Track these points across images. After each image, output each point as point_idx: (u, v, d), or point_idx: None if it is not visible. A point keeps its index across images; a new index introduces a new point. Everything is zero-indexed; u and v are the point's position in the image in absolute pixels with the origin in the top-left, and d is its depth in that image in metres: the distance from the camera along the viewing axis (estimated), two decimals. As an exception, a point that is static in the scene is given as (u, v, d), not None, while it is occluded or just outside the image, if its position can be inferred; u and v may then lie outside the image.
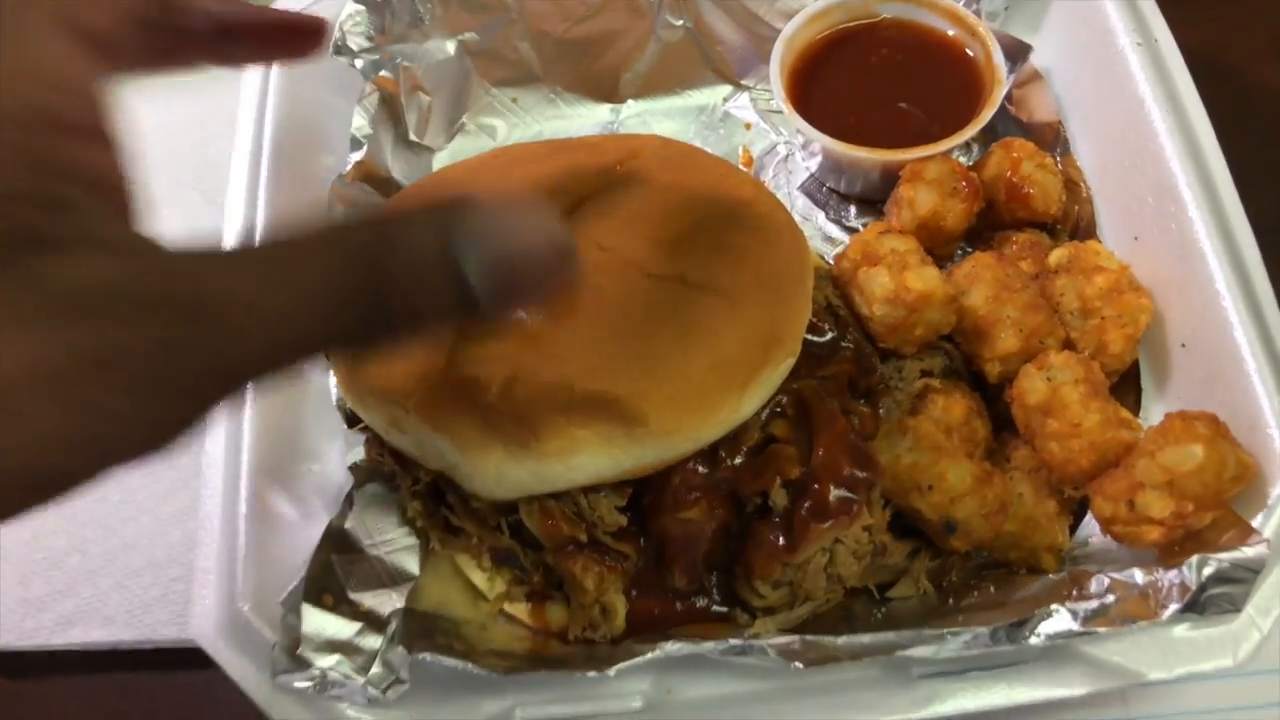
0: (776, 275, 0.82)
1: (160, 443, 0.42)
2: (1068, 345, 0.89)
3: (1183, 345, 0.87)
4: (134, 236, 0.43)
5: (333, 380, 0.92)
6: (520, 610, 0.87)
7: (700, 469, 0.81)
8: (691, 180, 0.88)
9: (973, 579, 0.86)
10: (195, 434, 0.43)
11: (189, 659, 1.00)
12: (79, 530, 1.05)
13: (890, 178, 1.02)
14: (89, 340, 0.38)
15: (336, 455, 0.91)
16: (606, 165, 0.88)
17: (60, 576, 1.03)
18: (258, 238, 0.44)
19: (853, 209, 1.09)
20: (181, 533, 1.04)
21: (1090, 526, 0.87)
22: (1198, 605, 0.72)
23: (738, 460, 0.82)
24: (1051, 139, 1.03)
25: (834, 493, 0.79)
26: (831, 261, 0.97)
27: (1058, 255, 0.91)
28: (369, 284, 0.44)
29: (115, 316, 0.39)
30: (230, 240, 0.92)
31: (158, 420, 0.41)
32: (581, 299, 0.77)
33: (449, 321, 0.52)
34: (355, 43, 1.05)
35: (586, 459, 0.76)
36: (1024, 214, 0.98)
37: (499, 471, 0.77)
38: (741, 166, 1.12)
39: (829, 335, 0.89)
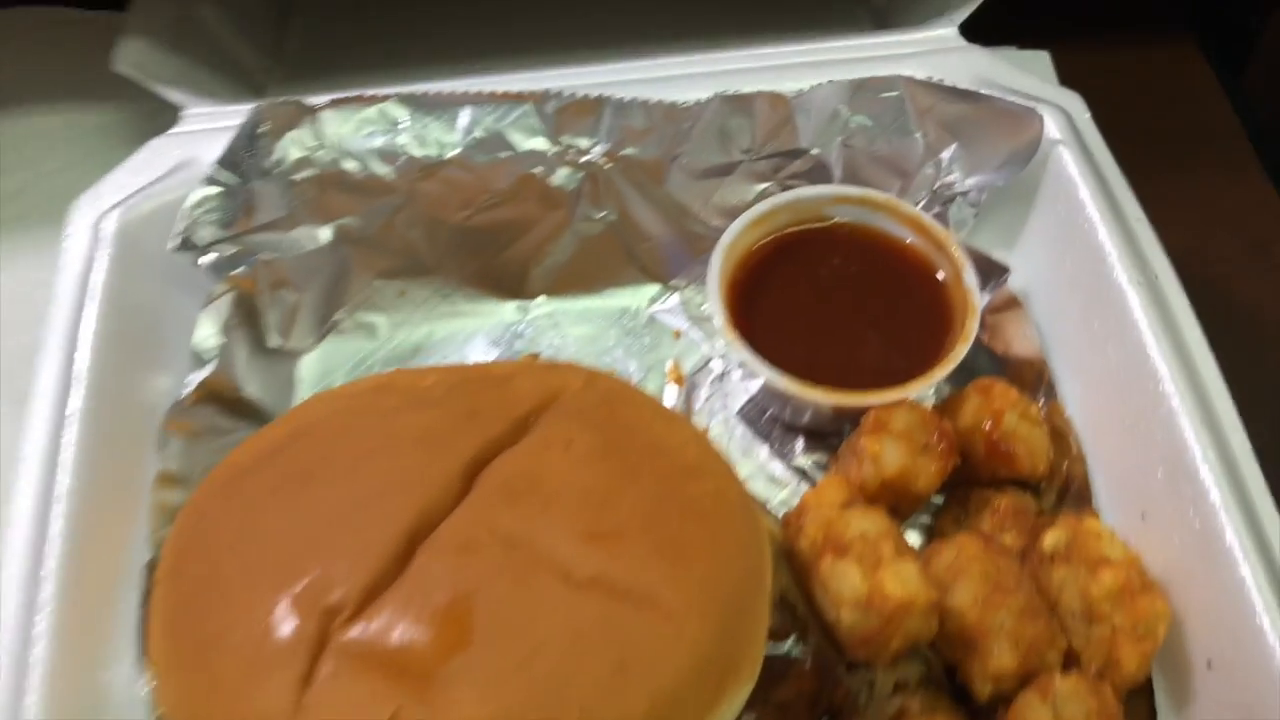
0: (730, 581, 0.65)
1: None
2: (1069, 655, 0.74)
3: (1208, 664, 0.72)
4: None
5: (143, 685, 0.71)
6: None
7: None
8: (623, 441, 0.71)
9: None
10: None
11: None
12: None
13: (844, 412, 0.86)
14: None
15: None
16: (518, 417, 0.71)
17: None
18: None
19: (800, 442, 0.92)
20: None
21: None
22: None
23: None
24: (1033, 379, 0.88)
25: None
26: (778, 517, 0.81)
27: (1053, 539, 0.76)
28: None
29: None
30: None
31: None
32: (479, 618, 0.59)
33: None
34: (205, 235, 0.85)
35: None
36: (1005, 473, 0.83)
37: None
38: (669, 382, 0.96)
39: (787, 643, 0.72)
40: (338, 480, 0.67)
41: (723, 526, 0.67)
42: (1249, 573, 0.70)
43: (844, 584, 0.71)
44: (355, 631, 0.59)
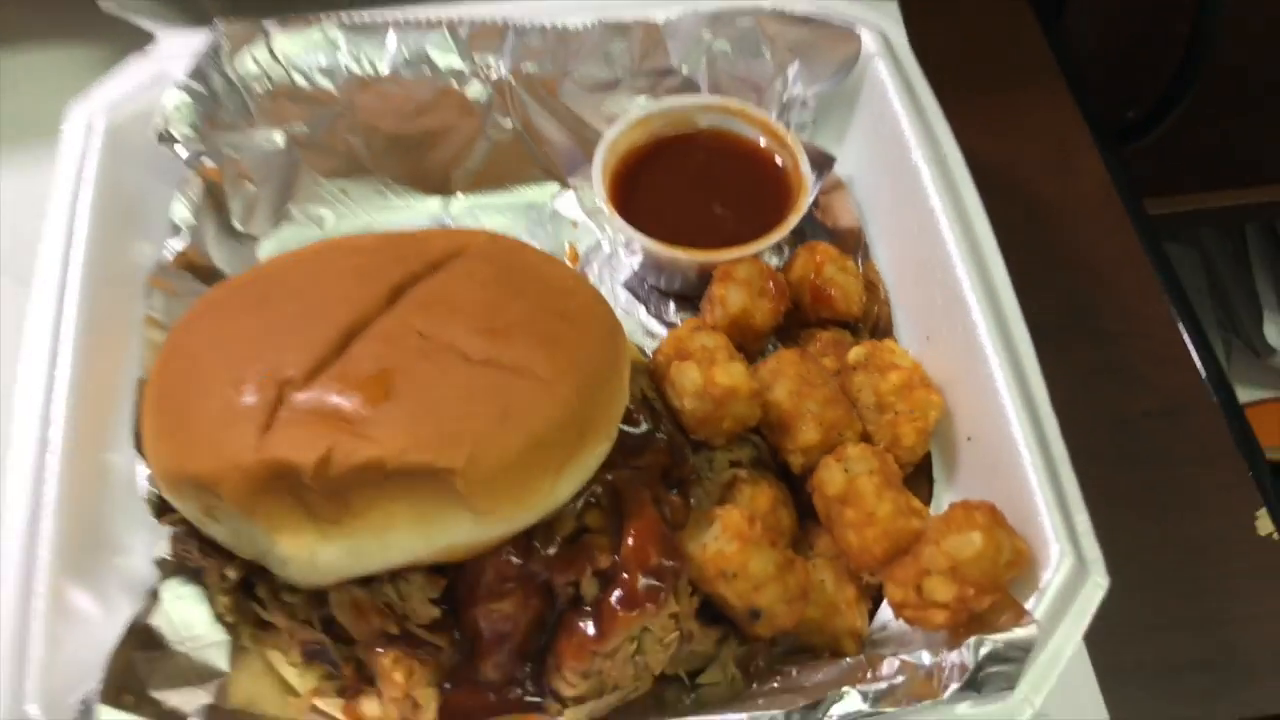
0: (592, 361, 0.85)
1: None
2: (865, 438, 0.95)
3: (969, 439, 0.93)
4: None
5: (140, 468, 0.90)
6: (334, 706, 0.86)
7: (514, 559, 0.82)
8: (515, 275, 0.91)
9: (778, 665, 0.89)
10: None
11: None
12: None
13: (706, 277, 1.06)
14: None
15: (142, 547, 0.89)
16: (433, 259, 0.90)
17: None
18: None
19: (672, 305, 1.13)
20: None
21: (887, 611, 0.91)
22: (975, 684, 0.77)
23: (551, 550, 0.83)
24: (853, 243, 1.10)
25: (642, 581, 0.81)
26: (650, 356, 1.01)
27: (856, 353, 0.97)
28: None
29: None
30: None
31: None
32: (398, 383, 0.78)
33: None
34: (180, 131, 1.04)
35: (401, 535, 0.77)
36: (827, 313, 1.04)
37: (312, 554, 0.77)
38: (568, 262, 1.16)
39: (644, 427, 0.92)
40: (290, 299, 0.87)
41: (588, 328, 0.88)
42: (996, 366, 0.91)
43: (686, 379, 0.91)
44: (304, 395, 0.78)
